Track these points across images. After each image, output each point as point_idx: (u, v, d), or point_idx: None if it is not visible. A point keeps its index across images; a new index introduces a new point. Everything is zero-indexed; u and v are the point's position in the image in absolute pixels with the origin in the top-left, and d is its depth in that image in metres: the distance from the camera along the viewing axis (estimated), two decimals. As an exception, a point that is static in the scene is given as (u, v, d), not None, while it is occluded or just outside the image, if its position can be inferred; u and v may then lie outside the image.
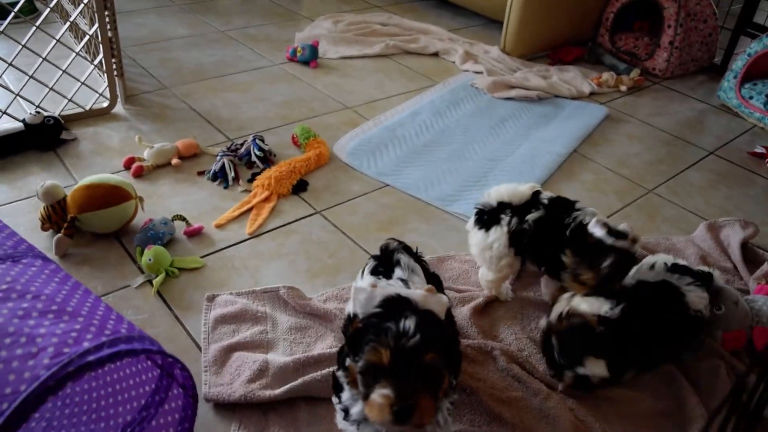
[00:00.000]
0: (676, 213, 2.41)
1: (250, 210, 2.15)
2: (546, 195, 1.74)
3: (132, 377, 1.40)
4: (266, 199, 2.20)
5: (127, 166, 2.30)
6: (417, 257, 1.52)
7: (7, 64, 2.40)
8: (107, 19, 2.47)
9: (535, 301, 1.89)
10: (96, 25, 2.46)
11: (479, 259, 1.83)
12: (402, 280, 1.39)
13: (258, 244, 2.02)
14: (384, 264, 1.45)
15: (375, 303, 1.20)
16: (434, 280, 1.51)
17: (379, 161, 2.49)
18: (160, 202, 2.16)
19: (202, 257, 1.94)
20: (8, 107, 2.37)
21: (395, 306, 1.18)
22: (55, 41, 2.44)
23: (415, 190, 2.34)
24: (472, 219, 1.80)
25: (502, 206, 1.73)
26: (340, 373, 1.25)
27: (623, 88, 3.37)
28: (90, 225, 1.93)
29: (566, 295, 1.65)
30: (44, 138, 2.34)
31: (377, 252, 1.51)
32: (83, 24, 2.77)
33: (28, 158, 2.31)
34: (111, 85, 2.60)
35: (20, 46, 2.39)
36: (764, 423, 1.39)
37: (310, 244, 2.04)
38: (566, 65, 3.58)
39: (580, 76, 3.40)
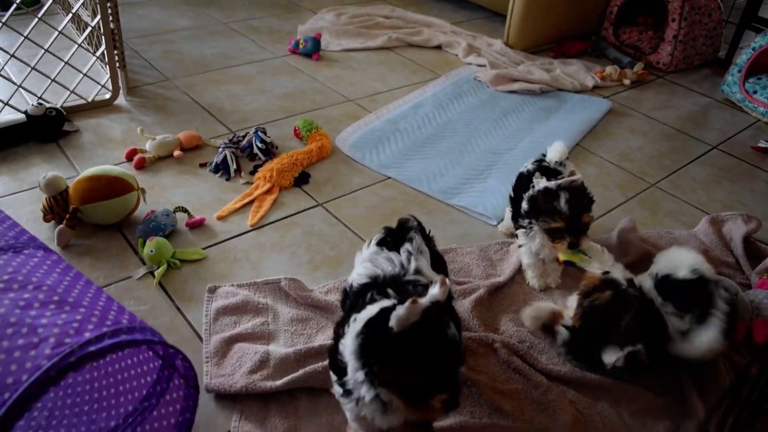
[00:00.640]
0: (678, 207, 2.41)
1: (251, 202, 2.15)
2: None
3: (133, 368, 1.40)
4: (268, 192, 2.20)
5: (129, 157, 2.30)
6: (429, 240, 1.52)
7: (9, 56, 2.40)
8: (109, 11, 2.47)
9: (538, 295, 1.89)
10: (98, 17, 2.46)
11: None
12: (408, 252, 1.39)
13: (260, 236, 2.03)
14: (395, 237, 1.46)
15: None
16: (440, 266, 1.51)
17: (381, 154, 2.49)
18: (162, 193, 2.16)
19: (204, 249, 1.94)
20: (10, 98, 2.37)
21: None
22: (57, 33, 2.44)
23: (417, 182, 2.33)
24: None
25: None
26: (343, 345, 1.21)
27: (627, 81, 3.36)
28: (92, 216, 1.93)
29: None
30: (46, 129, 2.34)
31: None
32: (85, 15, 2.76)
33: (30, 150, 2.31)
34: (113, 77, 2.60)
35: (22, 38, 2.39)
36: (764, 417, 1.39)
37: (311, 237, 2.04)
38: (569, 59, 3.57)
39: (583, 70, 3.39)
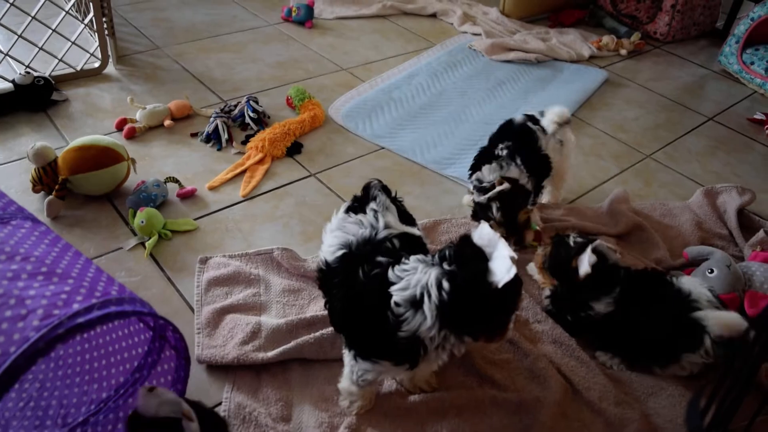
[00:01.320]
0: (673, 178, 2.40)
1: (243, 172, 2.13)
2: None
3: (124, 339, 1.39)
4: (260, 162, 2.18)
5: (119, 127, 2.27)
6: (394, 198, 1.51)
7: (-5, 22, 2.36)
8: (97, -24, 2.42)
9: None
10: (86, -18, 2.42)
11: None
12: (374, 210, 1.40)
13: (251, 206, 2.01)
14: (360, 201, 1.47)
15: None
16: (409, 222, 1.50)
17: (374, 124, 2.46)
18: (152, 163, 2.14)
19: (195, 219, 1.93)
20: (-3, 66, 2.34)
21: None
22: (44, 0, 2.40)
23: (410, 153, 2.32)
24: None
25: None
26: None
27: (623, 51, 3.33)
28: (81, 187, 1.91)
29: None
30: (35, 99, 2.31)
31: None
32: (73, -19, 2.71)
33: (19, 119, 2.28)
34: (102, 45, 2.55)
35: (8, 5, 2.34)
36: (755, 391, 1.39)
37: (304, 207, 2.03)
38: (566, 28, 3.53)
39: (579, 39, 3.36)
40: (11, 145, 2.15)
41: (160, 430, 1.13)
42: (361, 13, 3.42)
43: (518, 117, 1.97)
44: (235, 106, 2.39)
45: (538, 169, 1.89)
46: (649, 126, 2.72)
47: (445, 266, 1.19)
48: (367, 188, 1.50)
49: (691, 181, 2.39)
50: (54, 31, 2.45)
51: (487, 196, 1.78)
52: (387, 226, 1.38)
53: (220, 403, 1.41)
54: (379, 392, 1.46)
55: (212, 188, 2.06)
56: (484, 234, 1.21)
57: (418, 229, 1.50)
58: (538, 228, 1.90)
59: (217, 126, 2.27)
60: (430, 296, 1.17)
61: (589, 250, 1.56)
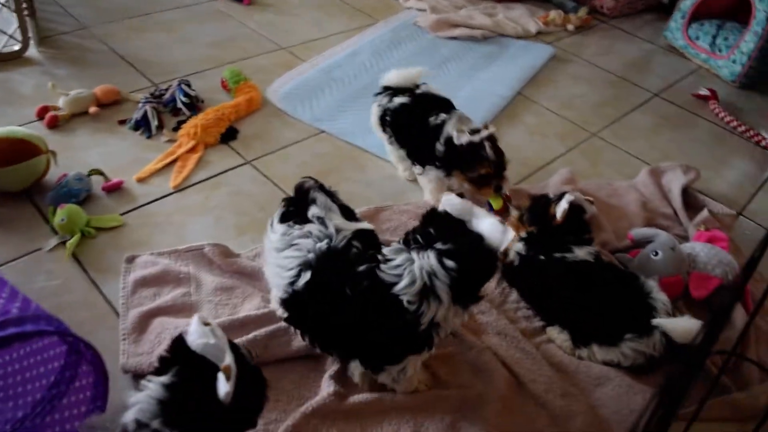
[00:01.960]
0: (619, 157, 2.37)
1: (174, 161, 2.02)
2: (425, 88, 2.00)
3: (39, 353, 1.30)
4: (192, 150, 2.07)
5: (41, 115, 2.12)
6: (333, 196, 1.42)
7: None
8: (12, -49, 2.25)
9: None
10: (-1, -42, 2.24)
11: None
12: (319, 218, 1.32)
13: (183, 198, 1.91)
14: (298, 205, 1.37)
15: None
16: (350, 214, 1.42)
17: (314, 106, 2.36)
18: (76, 155, 2.00)
19: (122, 215, 1.81)
20: None
21: None
22: (-48, -24, 2.22)
23: (351, 136, 2.23)
24: None
25: (385, 89, 2.02)
26: None
27: (570, 27, 3.28)
28: (-4, 182, 1.78)
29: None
30: (-54, 85, 2.15)
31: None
32: (-12, -44, 2.52)
33: (-72, 108, 2.12)
34: (22, 26, 2.38)
35: None
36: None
37: (239, 197, 1.93)
38: (513, 2, 3.46)
39: (526, 15, 3.29)
40: None
41: (196, 369, 1.02)
42: (302, -12, 3.28)
43: None
44: (167, 90, 2.26)
45: None
46: (595, 103, 2.69)
47: (438, 246, 1.19)
48: (301, 190, 1.40)
49: (637, 160, 2.37)
50: (-34, 11, 2.28)
51: (481, 135, 1.79)
52: (339, 229, 1.30)
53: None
54: (319, 395, 1.40)
55: (141, 180, 1.94)
56: (455, 204, 1.24)
57: (359, 219, 1.43)
58: (507, 193, 1.90)
59: (146, 112, 2.14)
60: (439, 279, 1.18)
61: (566, 197, 1.65)
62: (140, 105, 2.17)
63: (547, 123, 2.50)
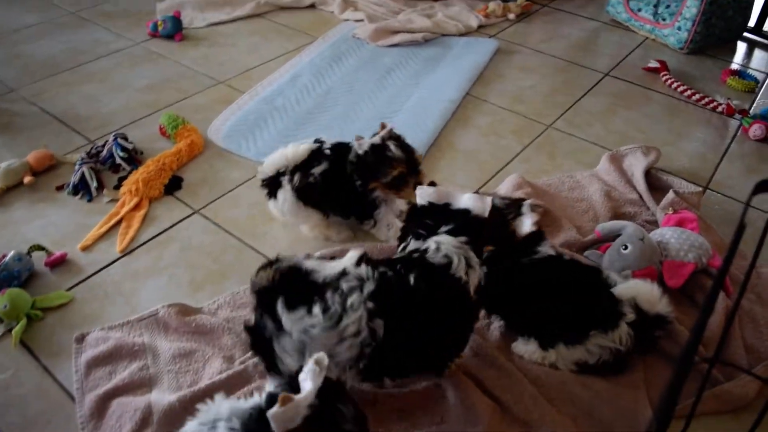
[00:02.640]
0: (577, 146, 2.32)
1: (119, 223, 1.93)
2: (327, 145, 1.79)
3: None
4: (136, 207, 1.98)
5: (-28, 194, 2.02)
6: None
7: None
8: None
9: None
10: None
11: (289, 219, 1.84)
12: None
13: (131, 261, 1.82)
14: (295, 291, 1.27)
15: None
16: None
17: (258, 140, 2.28)
18: (15, 230, 1.90)
19: (69, 290, 1.72)
20: None
21: None
22: None
23: (301, 167, 2.15)
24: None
25: (279, 174, 1.77)
26: None
27: (511, 16, 3.23)
28: (-71, 276, 1.68)
29: None
30: None
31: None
32: None
33: None
34: (-57, 100, 2.28)
35: None
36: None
37: (190, 252, 1.85)
38: (451, -1, 3.40)
39: (466, 10, 3.23)
40: None
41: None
42: (235, 16, 3.19)
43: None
44: (103, 146, 2.17)
45: None
46: (546, 93, 2.63)
47: (444, 229, 1.35)
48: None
49: (596, 146, 2.31)
50: None
51: (380, 134, 1.73)
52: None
53: None
54: None
55: (85, 248, 1.85)
56: (431, 193, 1.39)
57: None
58: None
59: (83, 174, 2.05)
60: (464, 251, 1.32)
61: (527, 211, 1.63)
62: (77, 167, 2.07)
63: (500, 121, 2.44)
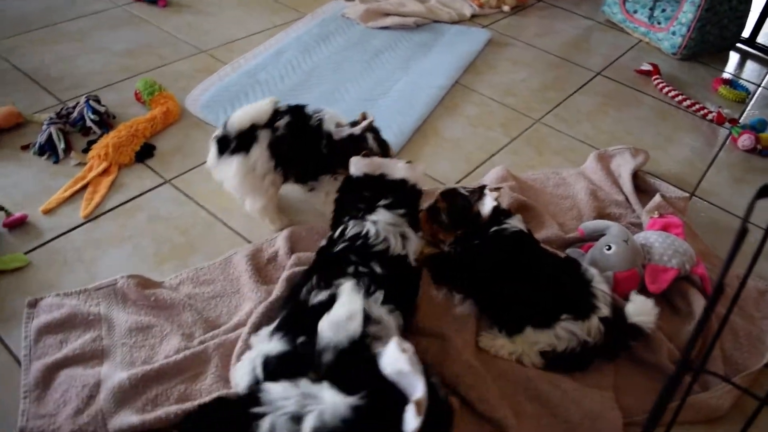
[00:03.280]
0: (565, 143, 2.26)
1: (85, 187, 1.84)
2: (283, 104, 1.72)
3: None
4: (105, 172, 1.89)
5: (-69, 146, 1.92)
6: None
7: None
8: None
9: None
10: None
11: (241, 189, 1.69)
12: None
13: (95, 228, 1.73)
14: None
15: None
16: None
17: (238, 113, 2.19)
18: (-27, 189, 1.81)
19: (26, 253, 1.63)
20: None
21: None
22: None
23: (280, 144, 2.07)
24: (214, 152, 1.67)
25: (254, 128, 1.64)
26: None
27: (506, 8, 3.16)
28: None
29: None
30: None
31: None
32: None
33: None
34: None
35: None
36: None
37: (158, 222, 1.76)
38: (446, -14, 3.33)
39: (460, -2, 3.16)
40: None
41: (385, 395, 0.96)
42: (222, -15, 3.09)
43: None
44: (74, 107, 2.07)
45: None
46: (537, 87, 2.58)
47: (383, 203, 1.41)
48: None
49: (584, 144, 2.26)
50: None
51: (362, 126, 1.67)
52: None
53: None
54: None
55: (47, 211, 1.75)
56: (365, 163, 1.45)
57: None
58: None
59: (50, 134, 1.95)
60: (401, 225, 1.41)
61: (488, 192, 1.57)
62: (44, 127, 1.97)
63: (488, 113, 2.38)
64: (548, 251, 1.63)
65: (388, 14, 2.91)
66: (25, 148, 1.97)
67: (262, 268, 1.64)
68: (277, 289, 1.52)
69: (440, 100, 2.40)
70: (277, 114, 1.68)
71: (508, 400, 1.37)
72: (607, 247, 1.66)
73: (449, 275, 1.62)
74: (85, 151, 1.96)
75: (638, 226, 1.89)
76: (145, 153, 1.98)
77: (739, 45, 3.08)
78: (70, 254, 1.64)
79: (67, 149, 1.96)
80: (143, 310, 1.50)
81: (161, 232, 1.73)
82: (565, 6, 3.31)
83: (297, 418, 0.93)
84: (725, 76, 2.84)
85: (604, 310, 1.42)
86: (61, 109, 2.07)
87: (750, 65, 2.99)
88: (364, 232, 1.36)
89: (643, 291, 1.65)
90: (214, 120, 2.14)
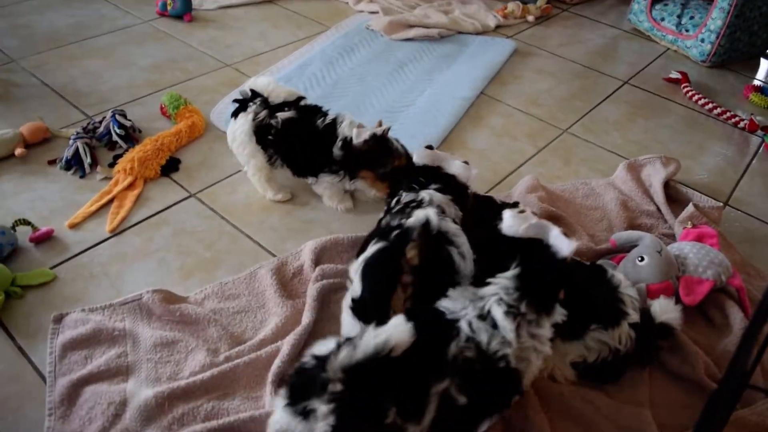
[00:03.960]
0: (593, 153, 2.22)
1: (111, 201, 1.84)
2: (306, 101, 1.85)
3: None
4: (130, 186, 1.89)
5: (-40, 162, 1.93)
6: None
7: None
8: None
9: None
10: None
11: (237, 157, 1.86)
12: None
13: (120, 242, 1.73)
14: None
15: None
16: None
17: (263, 126, 2.19)
18: (2, 204, 1.82)
19: (53, 268, 1.63)
20: None
21: None
22: None
23: (305, 157, 2.06)
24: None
25: (254, 95, 1.80)
26: None
27: (530, 18, 3.13)
28: None
29: None
30: None
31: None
32: None
33: None
34: (-62, 65, 2.20)
35: None
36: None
37: (183, 236, 1.76)
38: (469, -3, 3.31)
39: (484, 9, 3.14)
40: None
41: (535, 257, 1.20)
42: (246, 0, 3.11)
43: None
44: (100, 122, 2.08)
45: None
46: (563, 97, 2.54)
47: (433, 186, 1.51)
48: None
49: (613, 154, 2.22)
50: None
51: (383, 128, 1.74)
52: None
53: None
54: None
55: (73, 226, 1.76)
56: (429, 154, 1.58)
57: None
58: None
59: (77, 149, 1.96)
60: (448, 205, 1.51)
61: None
62: (71, 141, 1.98)
63: (514, 123, 2.35)
64: (573, 259, 1.58)
65: (411, 26, 2.90)
66: (52, 162, 1.98)
67: (287, 282, 1.62)
68: (308, 313, 1.50)
69: (465, 111, 2.37)
70: (291, 103, 1.79)
71: (542, 414, 1.34)
72: (639, 259, 1.62)
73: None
74: (111, 165, 1.97)
75: (671, 237, 1.84)
76: (171, 167, 1.98)
77: (770, 52, 3.02)
78: (96, 269, 1.64)
79: (94, 164, 1.97)
80: (168, 325, 1.49)
81: (186, 246, 1.72)
82: (590, 15, 3.27)
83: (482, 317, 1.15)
84: (756, 83, 2.78)
85: (634, 316, 1.39)
86: (88, 123, 2.09)
87: (782, 72, 2.93)
88: (419, 198, 1.46)
89: (678, 303, 1.61)
90: (238, 133, 2.14)
